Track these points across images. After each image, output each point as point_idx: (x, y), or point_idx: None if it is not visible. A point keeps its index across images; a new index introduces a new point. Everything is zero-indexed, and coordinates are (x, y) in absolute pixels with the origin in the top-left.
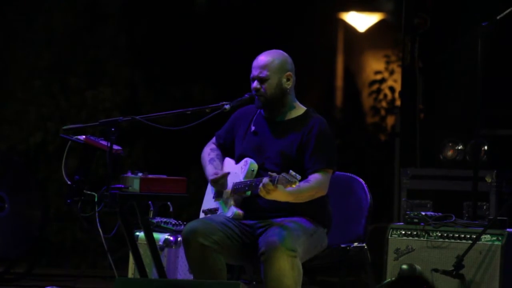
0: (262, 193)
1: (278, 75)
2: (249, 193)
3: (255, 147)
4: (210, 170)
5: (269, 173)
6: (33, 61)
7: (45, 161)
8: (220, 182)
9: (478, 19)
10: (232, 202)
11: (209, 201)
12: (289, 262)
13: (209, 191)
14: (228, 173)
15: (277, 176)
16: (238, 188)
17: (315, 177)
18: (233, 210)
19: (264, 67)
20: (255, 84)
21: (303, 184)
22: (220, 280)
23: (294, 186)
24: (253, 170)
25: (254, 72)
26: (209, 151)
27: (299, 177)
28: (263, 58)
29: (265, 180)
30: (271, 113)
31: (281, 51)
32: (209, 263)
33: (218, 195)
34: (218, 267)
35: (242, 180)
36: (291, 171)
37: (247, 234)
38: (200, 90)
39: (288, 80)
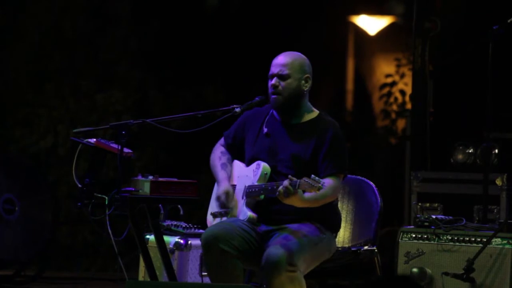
0: (281, 196)
1: (299, 76)
2: (262, 196)
3: (268, 149)
4: (224, 182)
5: (289, 176)
6: (44, 64)
7: (56, 164)
8: (226, 206)
9: (489, 23)
10: (245, 206)
11: (218, 204)
12: (288, 277)
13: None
14: (242, 199)
15: (298, 180)
16: (252, 192)
17: (329, 183)
18: (247, 214)
19: (285, 65)
20: (274, 81)
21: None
22: (230, 284)
23: (317, 191)
24: (266, 173)
25: (274, 70)
26: (219, 155)
27: (322, 182)
28: (284, 57)
29: (285, 183)
30: (285, 114)
31: (300, 53)
32: (228, 269)
33: None
34: (236, 272)
35: (256, 184)
36: (313, 175)
37: (262, 239)
38: (211, 92)
39: (306, 82)
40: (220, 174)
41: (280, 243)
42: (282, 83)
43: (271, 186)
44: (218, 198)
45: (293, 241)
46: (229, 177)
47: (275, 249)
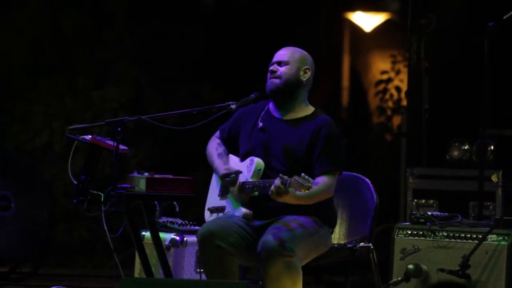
0: (273, 195)
1: (298, 65)
2: (256, 193)
3: (262, 144)
4: (221, 165)
5: (280, 175)
6: (40, 61)
7: (51, 161)
8: (231, 178)
9: (485, 19)
10: (240, 202)
11: (214, 199)
12: (285, 263)
13: (214, 188)
14: (241, 172)
15: (289, 179)
16: (245, 188)
17: (323, 180)
18: (242, 210)
19: (285, 54)
20: (273, 66)
21: (312, 188)
22: (227, 280)
23: (307, 191)
24: (259, 169)
25: (274, 58)
26: (216, 146)
27: (312, 181)
28: (286, 49)
29: (277, 182)
30: (280, 102)
31: (303, 50)
32: (224, 265)
33: (224, 193)
34: (232, 269)
35: (250, 180)
36: (303, 174)
37: (258, 234)
38: (207, 90)
39: (305, 73)
40: (217, 162)
41: (274, 231)
42: (280, 69)
43: (264, 183)
44: (224, 177)
45: (288, 229)
46: (226, 164)
47: (270, 236)
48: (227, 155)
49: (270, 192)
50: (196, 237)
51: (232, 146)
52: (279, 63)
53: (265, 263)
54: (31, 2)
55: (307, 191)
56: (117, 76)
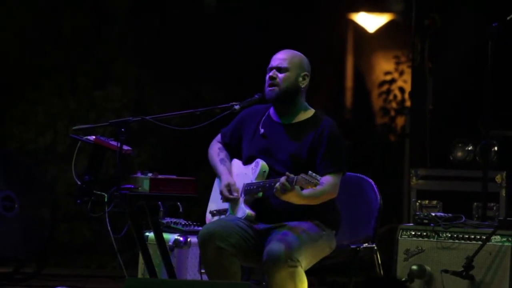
0: (278, 193)
1: (297, 71)
2: (261, 194)
3: (264, 149)
4: (225, 174)
5: (287, 173)
6: (41, 61)
7: (54, 161)
8: (230, 199)
9: (488, 20)
10: (243, 203)
11: (216, 202)
12: (289, 272)
13: (216, 191)
14: (240, 197)
15: (295, 177)
16: (250, 189)
17: (327, 180)
18: (245, 211)
19: (285, 59)
20: (272, 73)
21: (317, 187)
22: (230, 281)
23: (315, 187)
24: (264, 171)
25: (273, 63)
26: (217, 151)
27: (319, 177)
28: (285, 53)
29: (283, 180)
30: (280, 109)
31: (300, 53)
32: (225, 266)
33: None
34: (233, 269)
35: (254, 181)
36: (310, 172)
37: (261, 237)
38: (209, 90)
39: (304, 79)
40: (220, 168)
41: (280, 239)
42: (280, 75)
43: (269, 183)
44: (221, 193)
45: (293, 237)
46: (229, 171)
47: (275, 245)
48: (230, 160)
49: (275, 190)
50: (197, 238)
51: (234, 150)
52: (279, 69)
53: (270, 272)
54: (31, 2)
55: (314, 188)
56: (118, 76)
